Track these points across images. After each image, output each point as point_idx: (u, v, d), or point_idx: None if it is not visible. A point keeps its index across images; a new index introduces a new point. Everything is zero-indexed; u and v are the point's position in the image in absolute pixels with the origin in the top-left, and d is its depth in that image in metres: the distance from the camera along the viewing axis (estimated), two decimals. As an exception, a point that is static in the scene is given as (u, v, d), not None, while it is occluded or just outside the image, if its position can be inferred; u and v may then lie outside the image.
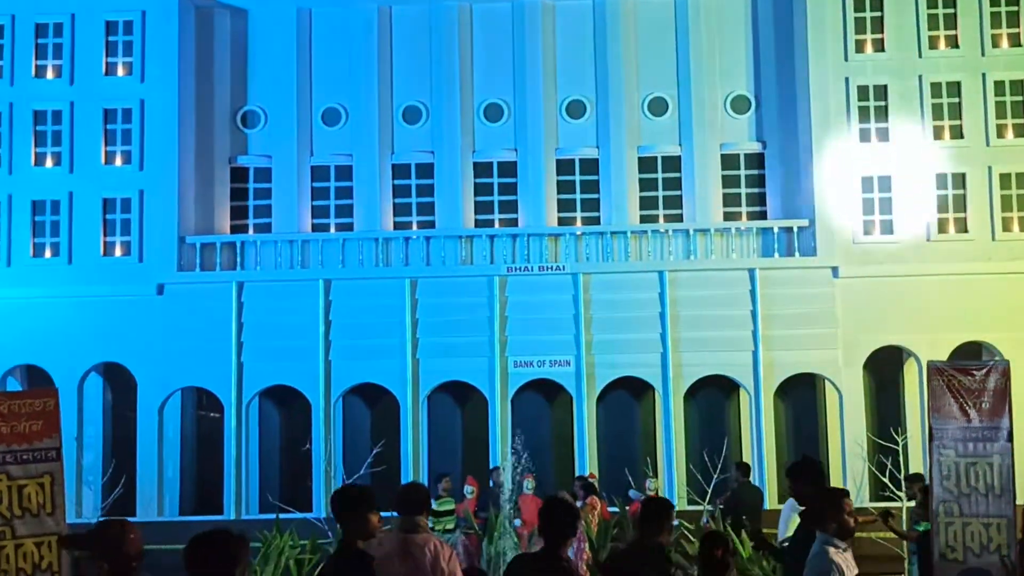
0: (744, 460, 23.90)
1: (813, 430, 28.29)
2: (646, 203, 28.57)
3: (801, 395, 28.37)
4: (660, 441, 27.34)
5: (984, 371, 8.83)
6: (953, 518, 8.73)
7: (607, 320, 27.03)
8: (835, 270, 27.15)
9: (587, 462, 26.90)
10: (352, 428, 28.32)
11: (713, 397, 28.35)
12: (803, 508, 7.48)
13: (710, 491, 23.37)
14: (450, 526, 18.69)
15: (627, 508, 20.34)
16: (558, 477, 26.23)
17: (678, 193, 28.39)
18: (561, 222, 28.55)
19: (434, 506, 17.44)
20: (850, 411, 27.01)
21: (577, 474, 24.12)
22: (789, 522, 13.98)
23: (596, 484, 20.82)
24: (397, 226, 28.63)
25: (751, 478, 20.26)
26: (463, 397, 28.21)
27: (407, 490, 7.49)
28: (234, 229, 29.10)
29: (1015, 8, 28.08)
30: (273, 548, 18.32)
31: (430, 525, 8.53)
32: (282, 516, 20.76)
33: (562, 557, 6.27)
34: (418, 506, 7.32)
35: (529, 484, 19.63)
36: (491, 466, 22.73)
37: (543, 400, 28.36)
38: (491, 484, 20.47)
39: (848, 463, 26.65)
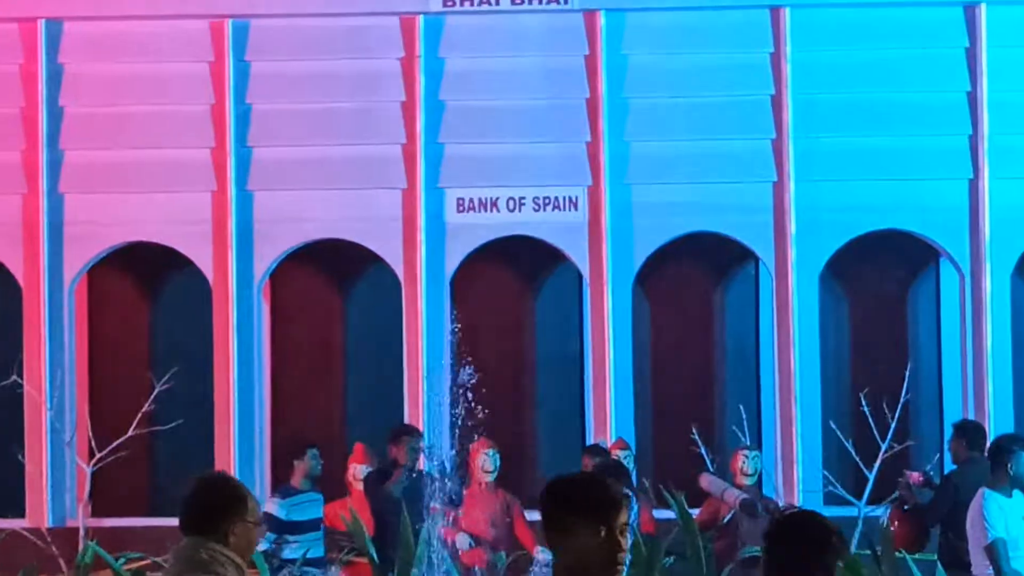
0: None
1: None
2: None
3: None
4: (764, 364, 16.55)
5: None
6: None
7: (652, 112, 16.34)
8: None
9: (612, 424, 15.91)
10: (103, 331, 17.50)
11: (880, 278, 17.35)
12: None
13: (873, 473, 14.47)
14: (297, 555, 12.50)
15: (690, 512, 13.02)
16: (547, 447, 16.77)
17: None
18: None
19: (276, 509, 12.42)
20: None
21: (589, 442, 15.67)
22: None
23: (628, 463, 13.65)
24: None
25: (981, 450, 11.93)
26: (345, 274, 17.44)
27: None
28: None
29: None
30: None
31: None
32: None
33: None
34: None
35: (488, 461, 13.48)
36: (400, 426, 14.77)
37: (512, 278, 17.37)
38: (405, 462, 13.45)
39: None
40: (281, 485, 12.53)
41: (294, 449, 12.72)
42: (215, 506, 4.80)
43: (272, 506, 12.18)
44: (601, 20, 16.27)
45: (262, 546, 11.77)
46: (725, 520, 12.74)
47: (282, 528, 12.13)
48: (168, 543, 13.51)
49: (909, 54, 16.36)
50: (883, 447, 14.15)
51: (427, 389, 15.44)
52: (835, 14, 16.46)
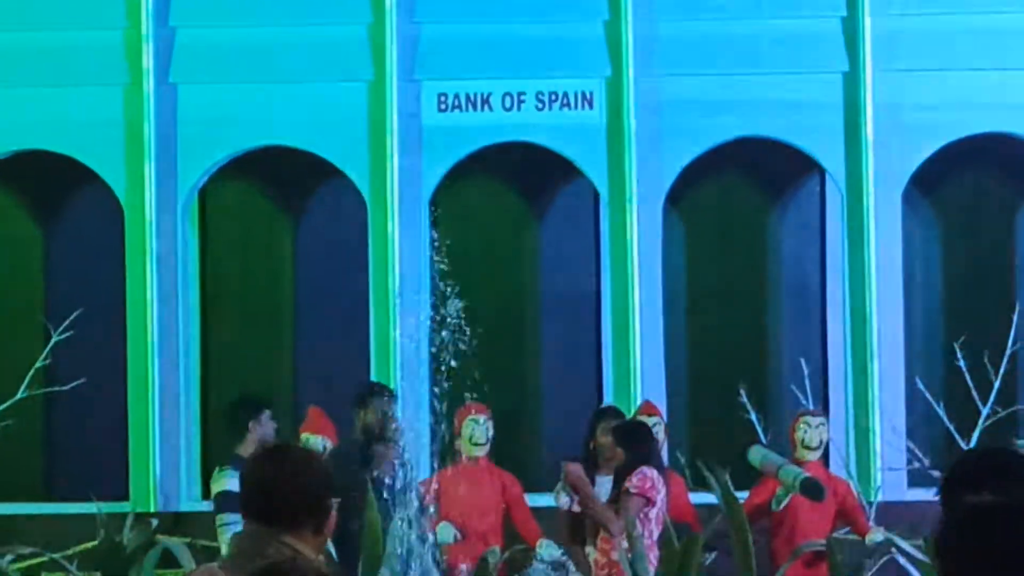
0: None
1: None
2: None
3: None
4: (832, 306, 15.79)
5: None
6: None
7: None
8: None
9: (637, 383, 14.88)
10: None
11: (980, 197, 16.40)
12: None
13: (971, 446, 13.75)
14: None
15: (736, 496, 12.32)
16: (555, 412, 15.65)
17: None
18: None
19: (235, 484, 10.82)
20: None
21: (605, 403, 14.75)
22: None
23: (658, 433, 12.39)
24: None
25: None
26: (297, 192, 16.40)
27: None
28: None
29: None
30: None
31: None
32: None
33: None
34: None
35: (478, 431, 12.63)
36: (367, 386, 13.79)
37: (509, 196, 16.58)
38: (376, 423, 12.67)
39: None
40: (232, 456, 11.69)
41: (247, 411, 12.04)
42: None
43: (229, 482, 11.54)
44: None
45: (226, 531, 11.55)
46: (781, 506, 11.83)
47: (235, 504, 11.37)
48: (66, 535, 13.05)
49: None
50: (984, 412, 13.54)
51: (399, 338, 14.29)
52: None
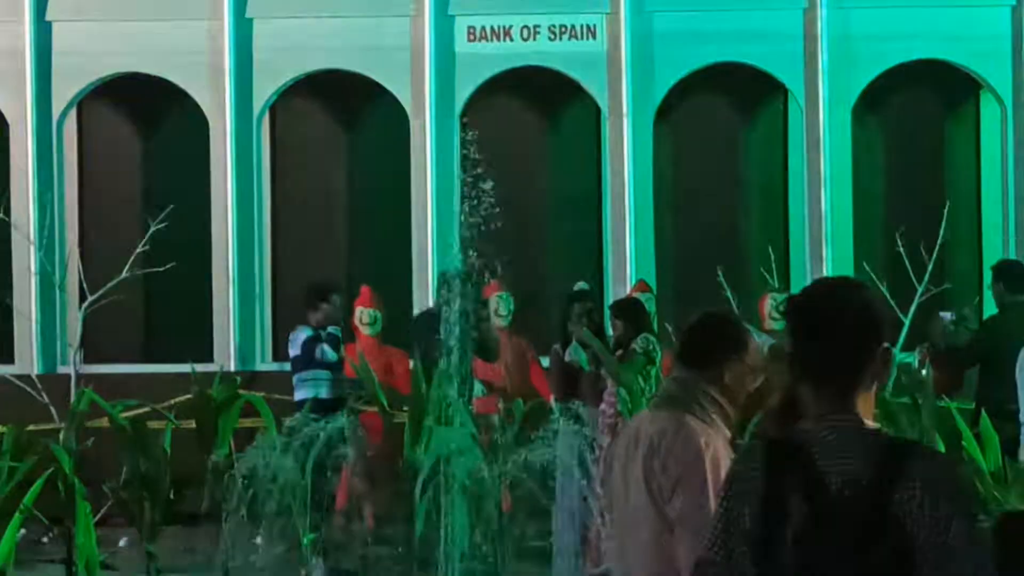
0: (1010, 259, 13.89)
1: None
2: None
3: None
4: (793, 203, 15.85)
5: None
6: None
7: None
8: None
9: (631, 266, 15.09)
10: (97, 169, 16.38)
11: (916, 111, 16.44)
12: None
13: (908, 317, 13.62)
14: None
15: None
16: (564, 291, 14.30)
17: None
18: None
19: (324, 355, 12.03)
20: None
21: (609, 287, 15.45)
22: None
23: (650, 306, 12.57)
24: None
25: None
26: (349, 108, 16.41)
27: None
28: None
29: None
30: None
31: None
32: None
33: None
34: None
35: (501, 305, 12.76)
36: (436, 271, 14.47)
37: (533, 111, 16.51)
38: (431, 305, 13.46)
39: None
40: (299, 325, 11.96)
41: (319, 292, 12.16)
42: (712, 343, 4.82)
43: (301, 335, 12.02)
44: None
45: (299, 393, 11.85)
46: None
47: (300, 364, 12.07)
48: (165, 390, 13.16)
49: None
50: (919, 290, 13.45)
51: (435, 230, 14.78)
52: None
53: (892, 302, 13.16)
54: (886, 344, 3.53)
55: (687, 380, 4.79)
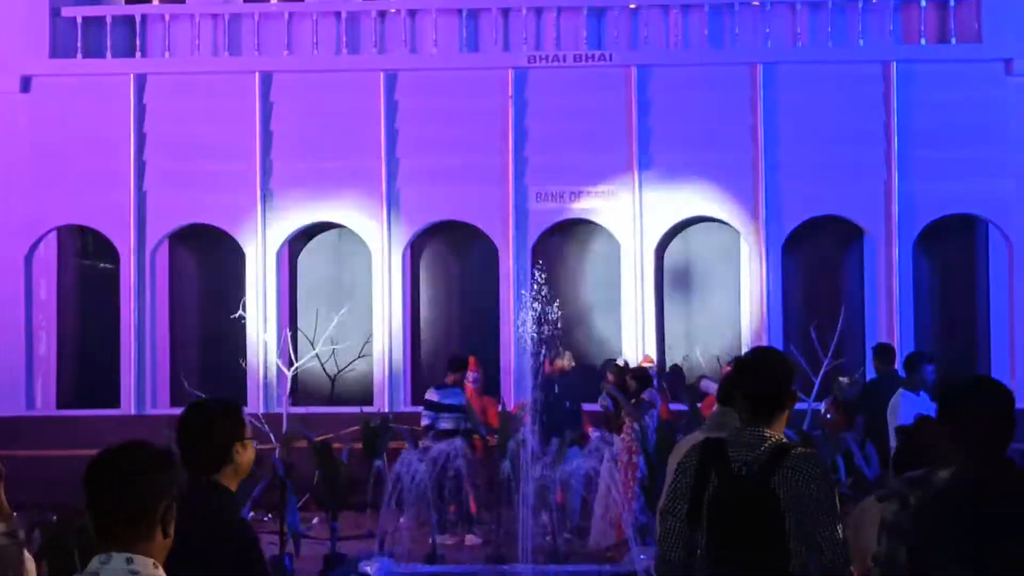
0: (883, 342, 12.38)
1: (968, 292, 15.26)
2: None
3: (951, 245, 15.25)
4: (746, 312, 14.74)
5: None
6: None
7: (672, 134, 14.16)
8: (1008, 64, 14.07)
9: (642, 342, 14.26)
10: (304, 282, 15.46)
11: (823, 249, 15.34)
12: None
13: (817, 383, 12.69)
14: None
15: (698, 405, 11.47)
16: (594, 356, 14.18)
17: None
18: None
19: (436, 397, 11.18)
20: (1024, 264, 14.54)
21: (617, 360, 12.65)
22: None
23: (647, 372, 11.46)
24: None
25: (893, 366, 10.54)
26: (461, 244, 15.31)
27: None
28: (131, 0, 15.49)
29: None
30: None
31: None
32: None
33: None
34: None
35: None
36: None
37: (578, 245, 15.26)
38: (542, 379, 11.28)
39: (1018, 331, 14.26)
40: (440, 383, 11.47)
41: (452, 363, 11.61)
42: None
43: (431, 394, 11.41)
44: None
45: (425, 420, 11.15)
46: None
47: (436, 408, 11.33)
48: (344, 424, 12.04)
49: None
50: (825, 363, 12.91)
51: (515, 326, 13.53)
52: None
53: (809, 370, 12.49)
54: (794, 389, 3.71)
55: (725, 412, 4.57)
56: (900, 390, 8.75)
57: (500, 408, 11.42)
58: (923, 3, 14.49)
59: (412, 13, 14.64)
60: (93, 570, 2.55)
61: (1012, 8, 14.17)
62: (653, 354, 13.75)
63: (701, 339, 14.57)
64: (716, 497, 3.57)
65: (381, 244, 14.43)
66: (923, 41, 14.45)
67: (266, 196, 14.40)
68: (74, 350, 15.23)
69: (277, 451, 10.30)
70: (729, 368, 10.61)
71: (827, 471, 3.77)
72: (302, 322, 14.87)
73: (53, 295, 15.03)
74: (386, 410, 13.31)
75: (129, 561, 2.55)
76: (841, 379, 11.54)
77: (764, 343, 13.24)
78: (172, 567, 2.63)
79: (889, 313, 14.14)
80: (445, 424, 11.11)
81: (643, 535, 9.61)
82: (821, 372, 12.73)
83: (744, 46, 14.40)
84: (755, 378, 3.67)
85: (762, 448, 3.60)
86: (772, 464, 3.55)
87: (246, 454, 3.44)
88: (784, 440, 3.67)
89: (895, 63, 14.10)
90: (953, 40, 14.37)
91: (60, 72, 14.45)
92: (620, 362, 12.14)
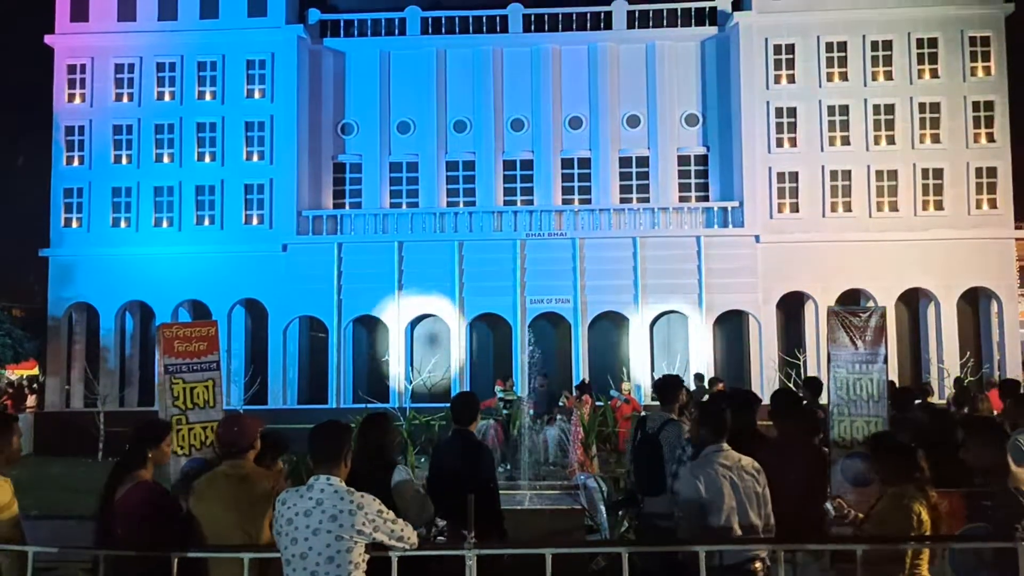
0: (700, 372, 20.51)
1: (740, 349, 26.66)
2: (624, 189, 27.02)
3: (731, 325, 26.74)
4: (631, 357, 25.53)
5: (868, 314, 8.02)
6: (844, 417, 7.91)
7: (596, 271, 25.38)
8: (757, 237, 25.57)
9: (581, 370, 25.33)
10: (417, 346, 26.82)
11: (671, 326, 26.66)
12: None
13: None
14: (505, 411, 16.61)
15: (608, 403, 18.58)
16: (560, 382, 24.13)
17: (646, 182, 26.78)
18: (564, 202, 26.81)
19: (500, 395, 16.52)
20: (767, 337, 25.59)
21: (576, 381, 22.67)
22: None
23: (588, 386, 18.86)
24: (449, 204, 27.16)
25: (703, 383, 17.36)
26: (494, 325, 26.44)
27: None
28: (336, 206, 27.46)
29: (887, 53, 26.22)
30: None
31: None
32: (368, 405, 18.88)
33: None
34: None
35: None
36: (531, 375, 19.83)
37: (550, 327, 26.57)
38: (534, 387, 18.45)
39: (764, 373, 25.24)
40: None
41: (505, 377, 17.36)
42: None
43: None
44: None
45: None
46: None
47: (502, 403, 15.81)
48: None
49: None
50: None
51: (519, 366, 22.64)
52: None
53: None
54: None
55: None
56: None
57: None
58: (715, 208, 26.18)
59: (471, 213, 26.14)
60: (310, 484, 3.89)
61: (760, 210, 25.75)
62: (588, 376, 23.69)
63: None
64: (637, 448, 5.15)
65: (456, 322, 25.48)
66: (716, 227, 26.07)
67: (399, 300, 25.55)
68: (308, 378, 26.77)
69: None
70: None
71: (681, 432, 5.28)
72: (417, 362, 25.68)
73: (295, 347, 26.77)
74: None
75: (328, 480, 3.95)
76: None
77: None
78: (454, 462, 4.48)
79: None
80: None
81: (582, 466, 13.25)
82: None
83: (629, 228, 25.68)
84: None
85: (663, 421, 5.29)
86: (660, 428, 5.02)
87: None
88: (672, 417, 5.06)
89: (702, 237, 25.94)
90: (730, 226, 25.81)
91: (302, 242, 26.14)
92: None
